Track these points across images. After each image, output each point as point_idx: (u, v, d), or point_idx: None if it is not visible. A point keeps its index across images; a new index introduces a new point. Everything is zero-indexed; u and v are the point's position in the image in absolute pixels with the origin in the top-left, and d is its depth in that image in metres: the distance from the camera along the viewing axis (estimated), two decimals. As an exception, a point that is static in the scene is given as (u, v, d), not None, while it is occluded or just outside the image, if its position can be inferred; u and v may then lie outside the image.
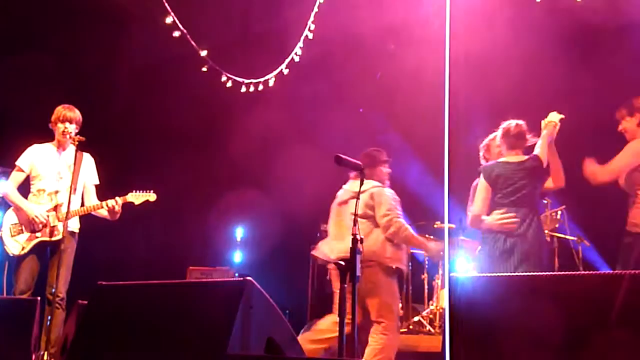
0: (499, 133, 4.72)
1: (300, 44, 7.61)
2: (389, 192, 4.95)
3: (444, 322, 5.69)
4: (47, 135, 5.11)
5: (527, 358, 2.42)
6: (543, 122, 4.67)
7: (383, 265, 4.78)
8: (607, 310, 2.23)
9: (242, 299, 3.14)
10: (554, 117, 4.63)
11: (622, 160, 4.38)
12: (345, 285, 3.19)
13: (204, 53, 7.00)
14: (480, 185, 4.55)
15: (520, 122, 4.68)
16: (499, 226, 4.34)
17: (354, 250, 3.15)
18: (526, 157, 4.55)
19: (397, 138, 8.22)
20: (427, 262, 7.16)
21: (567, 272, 2.59)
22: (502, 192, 4.43)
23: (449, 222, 7.04)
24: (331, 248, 4.93)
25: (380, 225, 4.81)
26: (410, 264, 7.08)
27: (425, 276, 7.04)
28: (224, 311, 3.11)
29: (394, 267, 4.85)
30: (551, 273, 3.08)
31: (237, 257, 8.49)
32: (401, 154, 8.29)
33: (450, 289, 2.69)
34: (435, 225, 7.24)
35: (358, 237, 3.17)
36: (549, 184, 4.67)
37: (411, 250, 7.13)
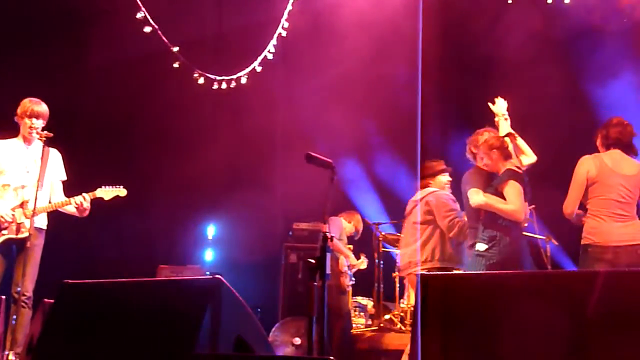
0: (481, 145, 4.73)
1: (274, 41, 7.58)
2: (445, 195, 5.07)
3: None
4: (11, 129, 4.99)
5: (497, 353, 2.44)
6: (498, 114, 4.77)
7: (440, 266, 4.81)
8: (579, 307, 2.26)
9: (211, 297, 3.12)
10: (501, 106, 4.78)
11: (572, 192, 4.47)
12: (315, 283, 3.18)
13: (175, 49, 6.92)
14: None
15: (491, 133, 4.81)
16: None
17: (323, 248, 3.14)
18: None
19: (375, 135, 8.28)
20: (398, 261, 7.18)
21: (534, 271, 2.62)
22: None
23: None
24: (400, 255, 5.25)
25: (443, 228, 4.85)
26: (382, 262, 7.12)
27: (396, 274, 7.07)
28: (192, 310, 3.09)
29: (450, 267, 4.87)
30: (519, 271, 3.11)
31: (209, 255, 8.43)
32: (379, 150, 8.36)
33: (420, 287, 2.71)
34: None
35: (328, 235, 3.16)
36: (525, 161, 4.78)
37: (383, 249, 7.18)
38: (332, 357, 2.48)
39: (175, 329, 3.07)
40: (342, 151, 7.98)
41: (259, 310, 7.19)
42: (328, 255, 3.22)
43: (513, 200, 4.34)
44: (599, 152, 4.50)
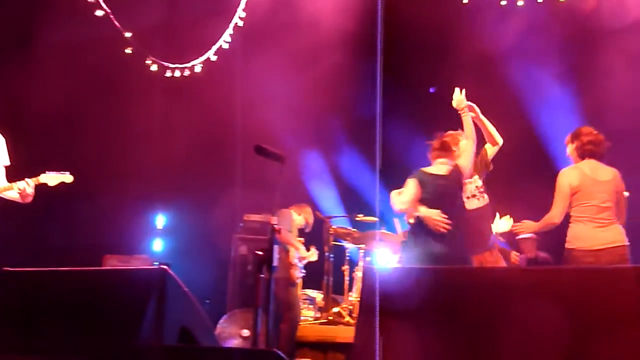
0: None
1: (230, 30, 7.51)
2: None
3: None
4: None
5: (435, 345, 2.49)
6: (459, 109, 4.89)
7: None
8: (511, 300, 2.32)
9: (155, 288, 3.08)
10: (460, 99, 4.88)
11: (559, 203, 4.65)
12: (262, 275, 3.17)
13: (128, 35, 6.79)
14: None
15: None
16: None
17: (271, 240, 3.13)
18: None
19: (338, 129, 8.30)
20: (348, 254, 7.24)
21: (480, 267, 2.68)
22: None
23: (373, 215, 7.15)
24: None
25: None
26: (332, 255, 7.15)
27: (346, 268, 7.11)
28: (136, 300, 3.05)
29: None
30: (460, 266, 3.18)
31: (158, 245, 8.32)
32: (341, 144, 8.38)
33: (364, 280, 2.73)
34: (357, 218, 7.33)
35: (276, 227, 3.15)
36: (491, 149, 4.95)
37: (333, 242, 7.21)
38: (276, 350, 2.47)
39: (117, 319, 3.02)
40: (301, 144, 7.99)
41: (207, 301, 7.14)
42: (276, 247, 3.22)
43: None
44: (573, 160, 4.73)
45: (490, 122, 5.05)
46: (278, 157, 3.29)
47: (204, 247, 7.76)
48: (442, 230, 4.34)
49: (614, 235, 4.44)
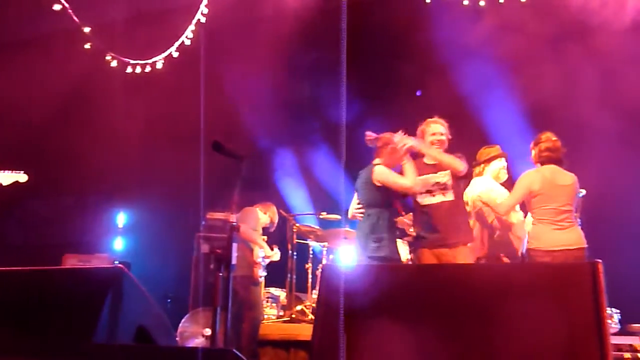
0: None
1: (192, 27, 7.44)
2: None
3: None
4: None
5: (389, 339, 2.51)
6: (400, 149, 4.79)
7: None
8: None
9: (111, 286, 3.04)
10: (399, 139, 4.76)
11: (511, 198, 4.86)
12: (220, 274, 3.16)
13: (87, 29, 6.68)
14: None
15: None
16: None
17: (230, 238, 3.12)
18: None
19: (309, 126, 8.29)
20: (311, 252, 7.24)
21: (430, 264, 2.71)
22: None
23: (336, 213, 7.16)
24: None
25: None
26: (295, 253, 7.15)
27: (309, 266, 7.11)
28: (91, 299, 3.00)
29: None
30: (415, 264, 3.22)
31: (119, 244, 8.20)
32: (311, 142, 8.38)
33: (322, 277, 2.74)
34: (321, 216, 7.33)
35: (235, 225, 3.14)
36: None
37: (297, 240, 7.20)
38: (233, 349, 2.46)
39: (72, 318, 2.97)
40: (269, 142, 7.96)
41: (169, 300, 7.08)
42: (234, 245, 3.20)
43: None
44: (535, 165, 4.89)
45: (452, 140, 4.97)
46: (236, 155, 3.27)
47: (166, 245, 7.69)
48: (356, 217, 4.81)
49: (572, 238, 4.58)
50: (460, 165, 4.64)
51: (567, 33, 7.01)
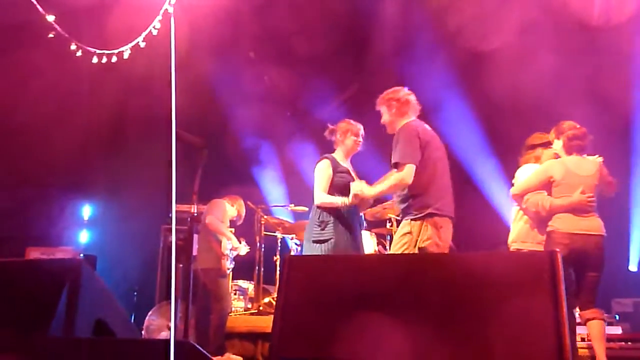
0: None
1: (160, 17, 7.32)
2: None
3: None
4: None
5: (351, 329, 2.51)
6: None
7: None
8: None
9: (69, 279, 2.98)
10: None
11: (530, 179, 4.88)
12: (181, 265, 3.12)
13: (51, 18, 6.52)
14: None
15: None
16: None
17: (190, 229, 3.08)
18: None
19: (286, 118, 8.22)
20: (279, 244, 7.22)
21: (390, 254, 2.71)
22: None
23: (302, 205, 7.14)
24: None
25: None
26: (263, 245, 7.12)
27: (277, 258, 7.10)
28: (47, 292, 2.94)
29: None
30: (371, 254, 3.22)
31: (84, 236, 8.08)
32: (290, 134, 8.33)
33: (283, 268, 2.72)
34: (289, 208, 7.31)
35: (195, 215, 3.10)
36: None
37: (264, 232, 7.18)
38: (189, 341, 2.43)
39: (27, 311, 2.90)
40: (241, 133, 7.91)
41: (135, 293, 7.00)
42: (195, 237, 3.17)
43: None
44: (559, 154, 4.88)
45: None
46: (196, 144, 3.23)
47: (133, 238, 7.59)
48: None
49: (593, 225, 4.61)
50: (402, 181, 4.27)
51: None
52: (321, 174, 4.77)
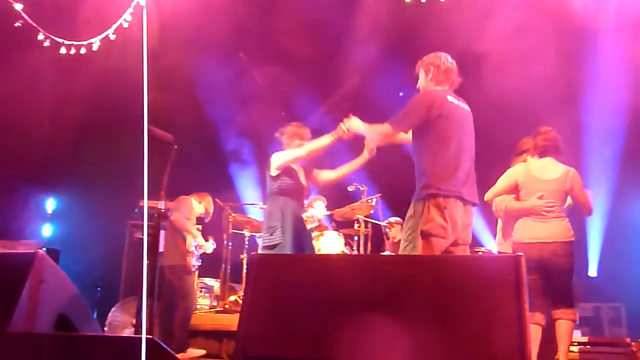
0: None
1: (131, 9, 7.23)
2: None
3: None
4: None
5: (311, 332, 2.52)
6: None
7: None
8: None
9: (30, 273, 2.92)
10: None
11: (498, 185, 4.90)
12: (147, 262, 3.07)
13: (18, 7, 6.39)
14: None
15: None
16: None
17: (157, 225, 3.04)
18: None
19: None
20: (247, 243, 7.19)
21: (355, 254, 2.73)
22: None
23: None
24: None
25: None
26: (230, 243, 7.08)
27: (244, 256, 7.06)
28: (8, 286, 2.88)
29: None
30: (339, 254, 3.24)
31: (47, 230, 7.93)
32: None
33: (249, 267, 2.71)
34: (258, 206, 7.28)
35: (162, 211, 3.07)
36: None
37: (232, 230, 7.13)
38: (151, 337, 2.39)
39: (-14, 306, 2.84)
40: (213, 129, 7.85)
41: (99, 289, 6.90)
42: (162, 233, 3.13)
43: None
44: (532, 156, 4.90)
45: None
46: (165, 140, 3.19)
47: (98, 233, 7.48)
48: None
49: (550, 231, 4.60)
50: (378, 132, 4.18)
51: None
52: (278, 156, 4.75)
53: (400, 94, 8.25)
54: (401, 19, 7.35)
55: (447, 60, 4.17)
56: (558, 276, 4.55)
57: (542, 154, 4.80)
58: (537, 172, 4.76)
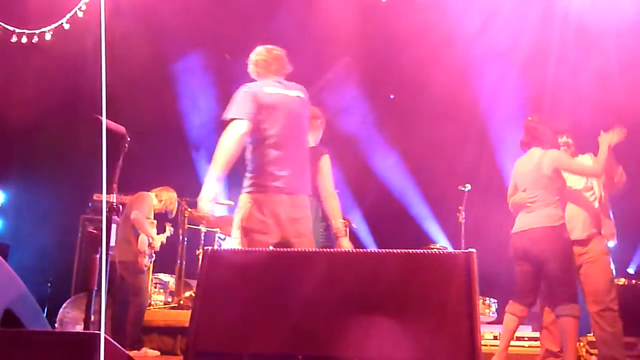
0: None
1: (86, -1, 7.07)
2: None
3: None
4: None
5: (264, 326, 2.52)
6: None
7: None
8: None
9: (-26, 267, 2.83)
10: None
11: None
12: (97, 256, 3.02)
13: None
14: None
15: None
16: None
17: (109, 219, 2.99)
18: None
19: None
20: (203, 238, 7.11)
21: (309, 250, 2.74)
22: None
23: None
24: None
25: None
26: (186, 239, 7.00)
27: (200, 252, 6.98)
28: (-49, 280, 2.79)
29: None
30: (293, 250, 3.26)
31: (-5, 224, 7.73)
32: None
33: (203, 262, 2.69)
34: (224, 204, 7.20)
35: (114, 205, 3.01)
36: None
37: (187, 225, 7.05)
38: (99, 332, 2.34)
39: None
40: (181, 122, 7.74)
41: (49, 284, 6.74)
42: (113, 227, 3.08)
43: None
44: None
45: None
46: (117, 133, 3.13)
47: (49, 227, 7.30)
48: None
49: (526, 220, 4.65)
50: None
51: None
52: None
53: (391, 96, 8.32)
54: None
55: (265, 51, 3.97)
56: (546, 264, 4.45)
57: (525, 147, 4.85)
58: (520, 167, 4.84)
